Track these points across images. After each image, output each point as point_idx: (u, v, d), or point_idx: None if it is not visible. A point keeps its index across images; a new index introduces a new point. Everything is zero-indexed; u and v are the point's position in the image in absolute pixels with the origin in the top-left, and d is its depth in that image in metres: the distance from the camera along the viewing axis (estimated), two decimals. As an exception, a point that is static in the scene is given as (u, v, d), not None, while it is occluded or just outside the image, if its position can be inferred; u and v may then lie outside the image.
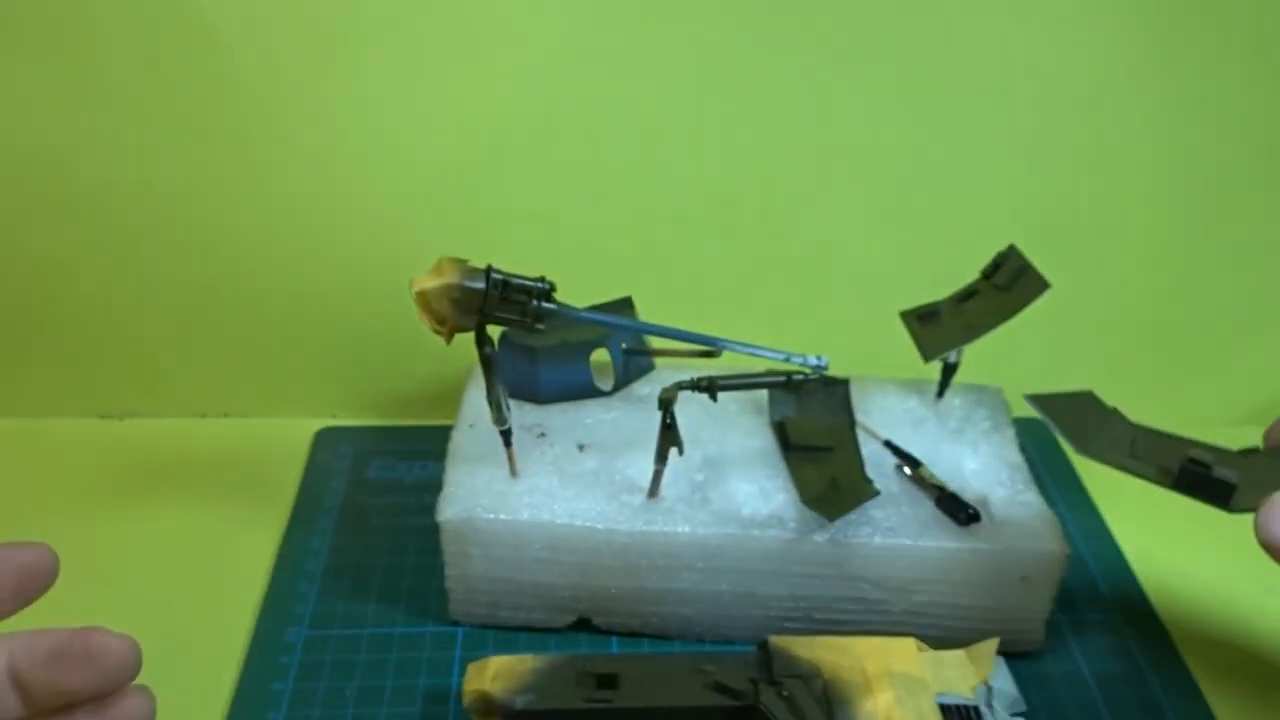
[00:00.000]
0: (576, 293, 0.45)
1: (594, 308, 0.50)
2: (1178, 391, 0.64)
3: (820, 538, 0.44)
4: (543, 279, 0.42)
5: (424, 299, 0.40)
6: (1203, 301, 0.61)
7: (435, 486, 0.46)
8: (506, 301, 0.41)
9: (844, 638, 0.41)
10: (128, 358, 0.58)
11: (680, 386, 0.43)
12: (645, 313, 0.52)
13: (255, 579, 0.50)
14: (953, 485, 0.47)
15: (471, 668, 0.40)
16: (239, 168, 0.53)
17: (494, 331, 0.43)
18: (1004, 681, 0.41)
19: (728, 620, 0.47)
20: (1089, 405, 0.46)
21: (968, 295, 0.49)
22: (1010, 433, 0.51)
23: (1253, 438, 0.44)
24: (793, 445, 0.48)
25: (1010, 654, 0.44)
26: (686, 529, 0.44)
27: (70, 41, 0.49)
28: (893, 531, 0.45)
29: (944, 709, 0.39)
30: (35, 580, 0.33)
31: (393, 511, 0.54)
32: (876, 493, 0.44)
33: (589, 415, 0.50)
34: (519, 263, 0.42)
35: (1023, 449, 0.50)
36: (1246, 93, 0.54)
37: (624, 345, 0.52)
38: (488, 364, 0.44)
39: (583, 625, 0.48)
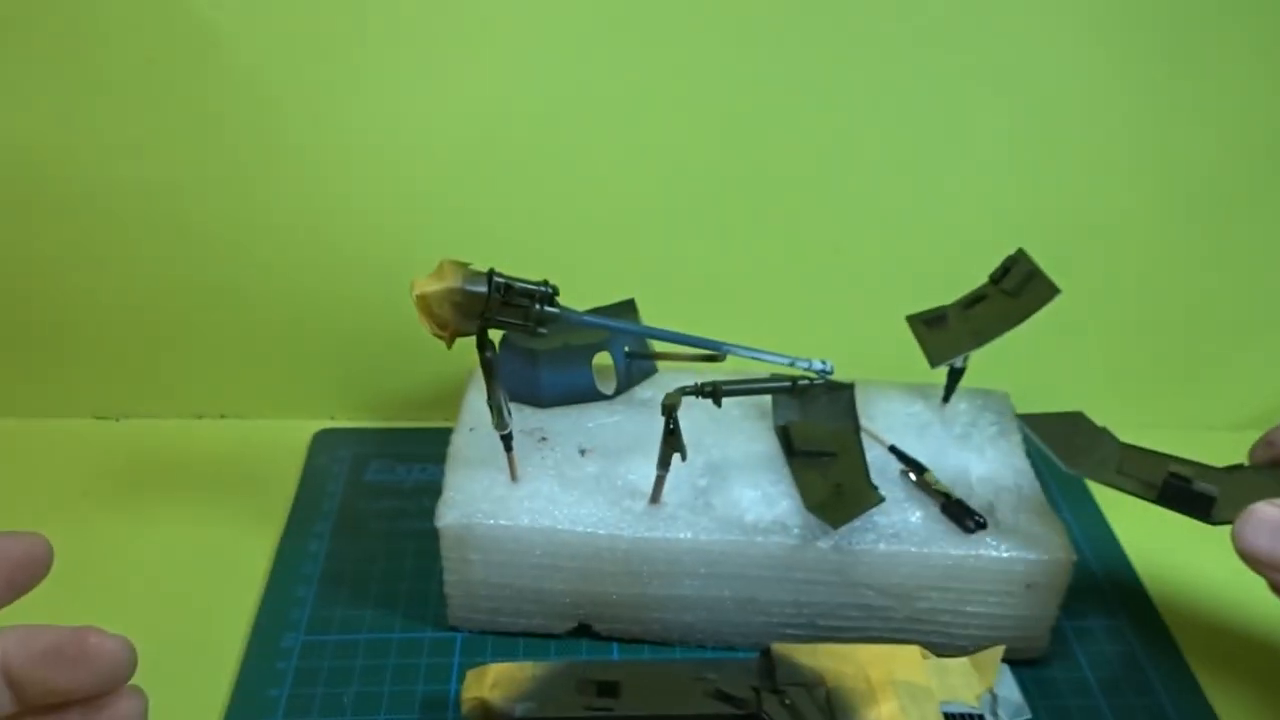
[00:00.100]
0: (579, 295, 0.45)
1: (596, 311, 0.50)
2: (1181, 396, 0.64)
3: (824, 544, 0.44)
4: (545, 282, 0.42)
5: (425, 303, 0.40)
6: (1207, 306, 0.61)
7: (434, 490, 0.45)
8: (509, 305, 0.41)
9: (847, 645, 0.41)
10: (124, 358, 0.58)
11: (684, 392, 0.43)
12: (648, 316, 0.51)
13: (252, 583, 0.49)
14: (958, 491, 0.46)
15: (470, 675, 0.40)
16: (237, 168, 0.53)
17: (495, 334, 0.43)
18: (1009, 689, 0.41)
19: (730, 627, 0.46)
20: (1079, 425, 0.47)
21: (975, 300, 0.49)
22: (1017, 438, 0.51)
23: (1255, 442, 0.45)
24: (797, 450, 0.48)
25: (1015, 661, 0.43)
26: (689, 535, 0.44)
27: (70, 41, 0.49)
28: (897, 538, 0.44)
29: (949, 718, 0.39)
30: (29, 570, 0.33)
31: (391, 515, 0.54)
32: (881, 499, 0.44)
33: (591, 419, 0.50)
34: (521, 265, 0.42)
35: (1029, 454, 0.50)
36: (1248, 95, 0.54)
37: (626, 349, 0.52)
38: (489, 368, 0.43)
39: (583, 632, 0.47)
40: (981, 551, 0.44)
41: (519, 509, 0.44)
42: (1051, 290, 0.46)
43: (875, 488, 0.45)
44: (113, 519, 0.52)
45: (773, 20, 0.51)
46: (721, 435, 0.49)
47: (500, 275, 0.41)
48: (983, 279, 0.49)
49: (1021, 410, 0.51)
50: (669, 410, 0.42)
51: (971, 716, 0.39)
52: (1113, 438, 0.47)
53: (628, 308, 0.52)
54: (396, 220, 0.55)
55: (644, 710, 0.38)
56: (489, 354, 0.43)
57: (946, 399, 0.52)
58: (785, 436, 0.49)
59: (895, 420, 0.51)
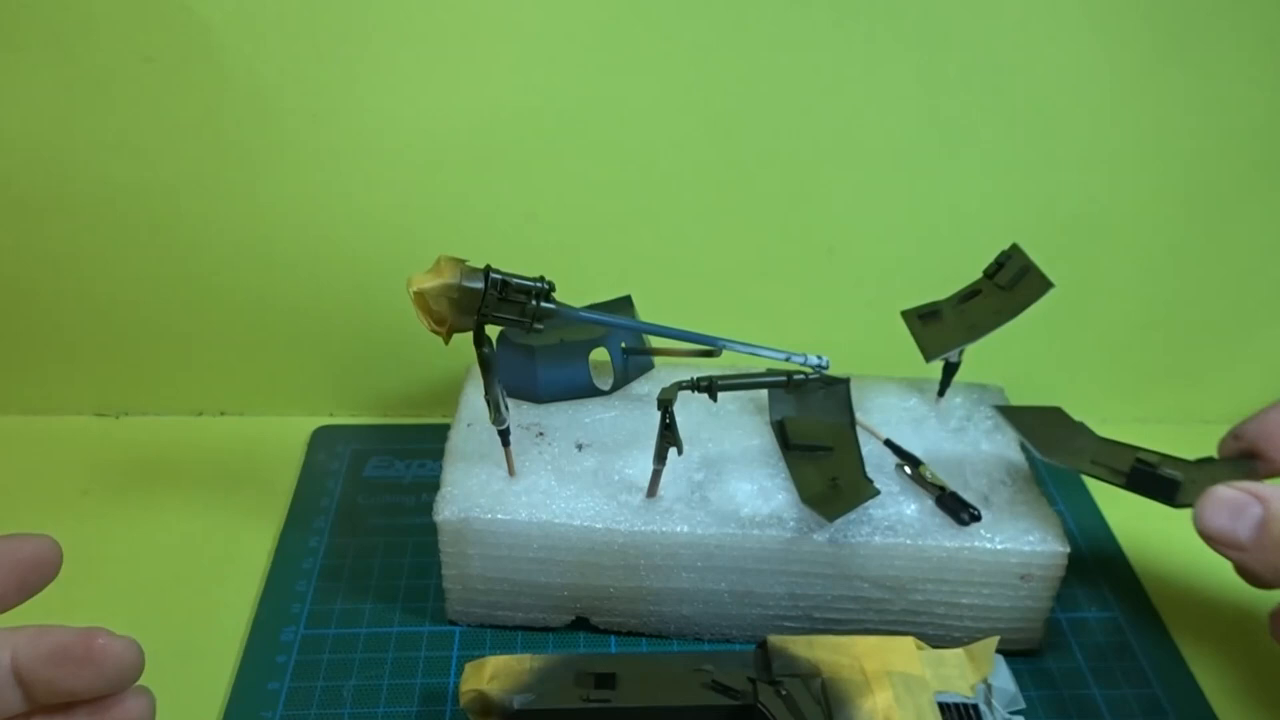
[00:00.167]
0: (575, 291, 0.45)
1: (593, 307, 0.50)
2: (1176, 390, 0.64)
3: (820, 537, 0.44)
4: (542, 278, 0.42)
5: (422, 299, 0.40)
6: (1202, 300, 0.61)
7: (433, 485, 0.46)
8: (505, 301, 0.41)
9: (843, 637, 0.41)
10: (124, 356, 0.58)
11: (680, 386, 0.43)
12: (644, 312, 0.52)
13: (251, 577, 0.50)
14: (953, 484, 0.46)
15: (469, 667, 0.40)
16: (235, 166, 0.53)
17: (492, 330, 0.43)
18: (1003, 680, 0.41)
19: (726, 619, 0.47)
20: (1057, 419, 0.49)
21: (970, 295, 0.49)
22: (1011, 432, 0.51)
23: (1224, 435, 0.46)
24: (792, 445, 0.48)
25: (1010, 652, 0.44)
26: (685, 529, 0.44)
27: (68, 40, 0.49)
28: (892, 531, 0.44)
29: (943, 708, 0.39)
30: (38, 572, 0.33)
31: (390, 510, 0.54)
32: (877, 492, 0.44)
33: (588, 414, 0.50)
34: (518, 261, 0.42)
35: (1024, 448, 0.50)
36: (1247, 93, 0.54)
37: (623, 344, 0.52)
38: (486, 364, 0.43)
39: (581, 625, 0.47)
40: (976, 544, 0.44)
41: (516, 503, 0.45)
42: (1045, 285, 0.46)
43: (871, 481, 0.45)
44: (113, 515, 0.53)
45: (768, 17, 0.51)
46: (718, 430, 0.49)
47: (497, 271, 0.41)
48: (977, 274, 0.49)
49: (1017, 404, 0.51)
50: (665, 405, 0.42)
51: (966, 707, 0.39)
52: (1089, 431, 0.48)
53: (624, 304, 0.52)
54: (394, 217, 0.55)
55: (641, 701, 0.39)
56: (486, 350, 0.43)
57: (942, 393, 0.52)
58: (781, 431, 0.49)
59: (891, 414, 0.51)
